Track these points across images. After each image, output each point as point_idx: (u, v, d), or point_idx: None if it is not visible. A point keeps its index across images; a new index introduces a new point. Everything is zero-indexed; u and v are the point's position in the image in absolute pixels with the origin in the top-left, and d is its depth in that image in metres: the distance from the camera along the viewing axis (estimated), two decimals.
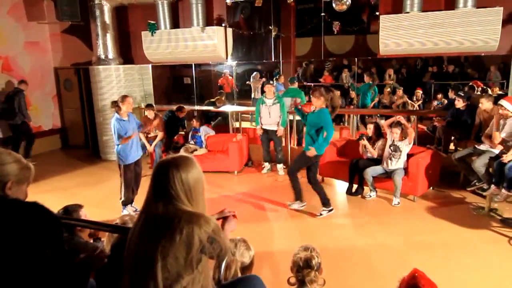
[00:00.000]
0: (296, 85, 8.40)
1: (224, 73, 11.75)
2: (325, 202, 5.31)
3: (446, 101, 8.41)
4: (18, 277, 1.25)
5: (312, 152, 5.03)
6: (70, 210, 3.09)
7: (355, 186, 6.14)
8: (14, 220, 1.28)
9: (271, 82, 7.37)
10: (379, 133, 6.16)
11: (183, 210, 1.57)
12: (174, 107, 8.05)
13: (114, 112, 5.36)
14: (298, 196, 5.49)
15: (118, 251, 2.15)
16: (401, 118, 5.89)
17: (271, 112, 7.04)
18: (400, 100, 9.69)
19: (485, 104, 5.77)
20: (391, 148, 5.80)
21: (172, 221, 1.52)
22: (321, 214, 5.30)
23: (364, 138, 6.08)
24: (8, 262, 1.23)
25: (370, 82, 9.60)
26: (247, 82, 11.28)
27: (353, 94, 11.17)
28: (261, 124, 7.17)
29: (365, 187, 6.06)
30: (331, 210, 5.34)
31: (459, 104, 6.36)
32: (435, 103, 9.72)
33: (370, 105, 9.77)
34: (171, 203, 1.58)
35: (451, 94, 7.53)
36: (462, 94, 6.48)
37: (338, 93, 11.23)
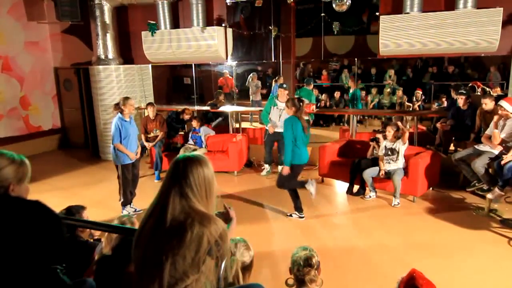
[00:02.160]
0: (311, 87, 8.25)
1: (224, 73, 11.75)
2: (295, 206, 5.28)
3: (446, 103, 8.38)
4: (18, 274, 1.25)
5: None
6: (73, 211, 3.09)
7: (356, 187, 6.14)
8: (17, 218, 1.28)
9: (284, 85, 7.20)
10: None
11: (196, 210, 1.58)
12: (174, 108, 8.05)
13: (118, 113, 5.37)
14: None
15: (118, 251, 2.16)
16: (398, 123, 5.90)
17: (282, 116, 6.69)
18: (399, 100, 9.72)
19: (489, 105, 5.77)
20: (389, 152, 5.80)
21: (185, 221, 1.54)
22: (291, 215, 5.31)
23: (376, 141, 6.08)
24: (9, 258, 1.24)
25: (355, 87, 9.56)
26: (246, 84, 11.26)
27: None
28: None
29: (366, 188, 6.05)
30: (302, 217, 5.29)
31: (461, 102, 6.37)
32: (435, 105, 9.73)
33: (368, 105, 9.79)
34: (188, 199, 1.58)
35: (453, 94, 7.49)
36: (464, 92, 6.49)
37: (338, 93, 11.31)
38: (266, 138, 7.21)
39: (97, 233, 3.16)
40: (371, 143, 6.19)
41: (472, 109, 6.31)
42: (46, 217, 1.33)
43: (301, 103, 5.01)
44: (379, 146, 6.05)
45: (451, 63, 11.44)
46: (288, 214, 5.31)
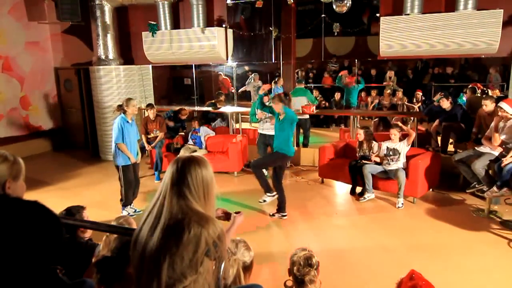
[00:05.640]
0: (302, 85, 8.41)
1: (220, 74, 11.76)
2: (282, 206, 5.36)
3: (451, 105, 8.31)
4: (16, 275, 1.25)
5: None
6: (73, 212, 3.07)
7: (359, 188, 6.13)
8: (15, 218, 1.28)
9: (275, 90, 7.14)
10: (371, 138, 6.16)
11: (194, 210, 1.58)
12: (175, 108, 8.05)
13: (121, 113, 5.39)
14: (268, 189, 5.46)
15: (117, 252, 2.16)
16: (398, 123, 5.94)
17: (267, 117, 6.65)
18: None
19: (489, 106, 5.77)
20: (390, 153, 5.79)
21: (182, 220, 1.54)
22: (273, 215, 5.38)
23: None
24: (7, 259, 1.24)
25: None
26: (246, 89, 11.23)
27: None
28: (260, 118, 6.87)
29: (367, 188, 6.00)
30: (285, 215, 5.37)
31: (445, 104, 6.48)
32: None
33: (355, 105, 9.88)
34: (185, 199, 1.58)
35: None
36: (443, 95, 6.66)
37: (338, 95, 11.29)
38: (258, 140, 7.11)
39: (87, 234, 3.08)
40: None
41: (459, 107, 6.56)
42: (44, 217, 1.33)
43: (287, 97, 5.18)
44: (366, 148, 6.09)
45: (451, 64, 11.45)
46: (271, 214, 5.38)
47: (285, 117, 5.12)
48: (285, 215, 5.34)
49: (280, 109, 5.11)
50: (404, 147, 5.72)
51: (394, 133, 5.78)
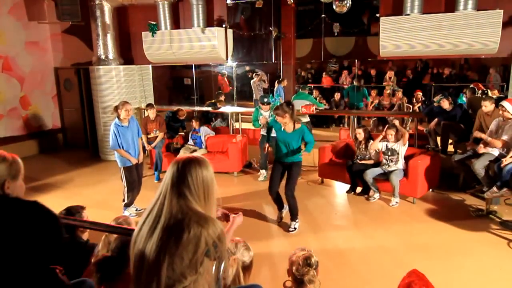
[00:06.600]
0: (306, 91, 8.41)
1: (222, 74, 11.78)
2: (296, 214, 5.01)
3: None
4: (16, 275, 1.26)
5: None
6: (73, 212, 3.07)
7: (358, 188, 6.13)
8: (15, 218, 1.29)
9: (265, 100, 7.03)
10: (369, 137, 6.16)
11: (194, 210, 1.58)
12: (174, 108, 8.05)
13: (115, 117, 5.38)
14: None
15: (117, 252, 2.16)
16: (395, 122, 5.94)
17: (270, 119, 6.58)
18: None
19: (489, 107, 5.78)
20: (389, 152, 5.80)
21: (182, 220, 1.54)
22: (295, 229, 4.96)
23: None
24: (8, 259, 1.24)
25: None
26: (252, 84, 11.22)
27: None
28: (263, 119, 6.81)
29: (374, 191, 5.99)
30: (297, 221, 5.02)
31: (445, 104, 6.53)
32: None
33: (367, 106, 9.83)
34: (185, 199, 1.58)
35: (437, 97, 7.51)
36: (443, 96, 6.70)
37: (338, 95, 11.30)
38: (260, 142, 7.05)
39: (85, 236, 3.08)
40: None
41: (459, 107, 6.58)
42: (44, 217, 1.33)
43: (290, 106, 4.84)
44: (362, 146, 6.10)
45: (451, 65, 11.47)
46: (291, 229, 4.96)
47: (301, 127, 4.87)
48: (297, 221, 5.03)
49: (285, 120, 4.77)
50: (401, 148, 5.73)
51: (391, 133, 5.79)
